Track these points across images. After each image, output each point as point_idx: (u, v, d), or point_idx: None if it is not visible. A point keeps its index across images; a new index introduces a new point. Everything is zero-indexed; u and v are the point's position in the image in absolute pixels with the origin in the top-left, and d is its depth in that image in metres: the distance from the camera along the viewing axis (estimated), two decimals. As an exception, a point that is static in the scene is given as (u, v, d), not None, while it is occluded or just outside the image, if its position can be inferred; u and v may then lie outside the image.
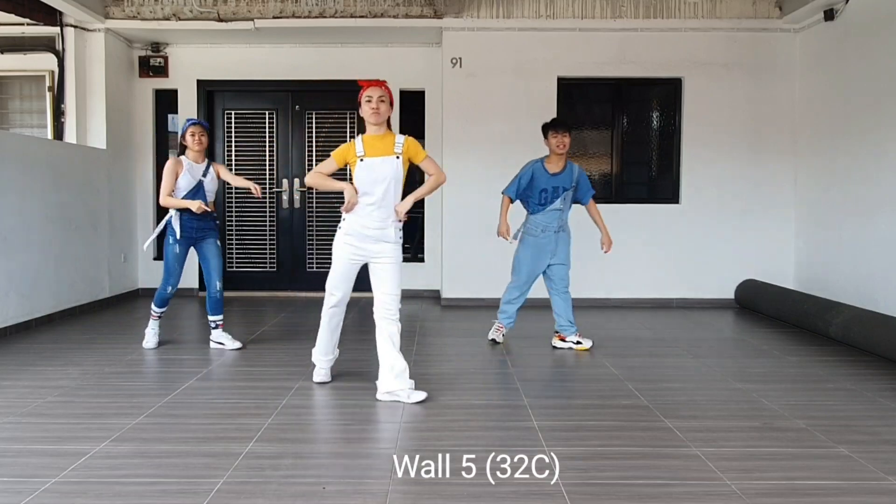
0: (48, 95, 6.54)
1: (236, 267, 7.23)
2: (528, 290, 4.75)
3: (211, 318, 4.61)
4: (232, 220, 7.21)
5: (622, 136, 6.62)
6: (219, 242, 4.65)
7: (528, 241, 4.65)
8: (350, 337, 4.99)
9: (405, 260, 7.11)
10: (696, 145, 6.49)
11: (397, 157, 3.41)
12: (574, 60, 6.44)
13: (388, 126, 3.53)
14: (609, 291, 6.52)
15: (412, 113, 7.03)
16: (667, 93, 6.59)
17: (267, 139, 7.14)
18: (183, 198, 4.41)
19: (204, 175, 4.50)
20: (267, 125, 7.15)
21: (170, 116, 7.16)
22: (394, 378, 3.40)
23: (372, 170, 3.40)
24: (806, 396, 3.52)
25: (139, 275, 7.12)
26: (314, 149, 7.15)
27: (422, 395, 3.41)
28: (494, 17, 6.35)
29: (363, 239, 3.44)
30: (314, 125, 7.14)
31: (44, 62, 6.45)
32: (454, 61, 6.41)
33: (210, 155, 7.08)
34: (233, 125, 7.16)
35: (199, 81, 7.00)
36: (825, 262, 5.90)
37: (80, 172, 6.02)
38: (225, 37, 6.68)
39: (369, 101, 3.40)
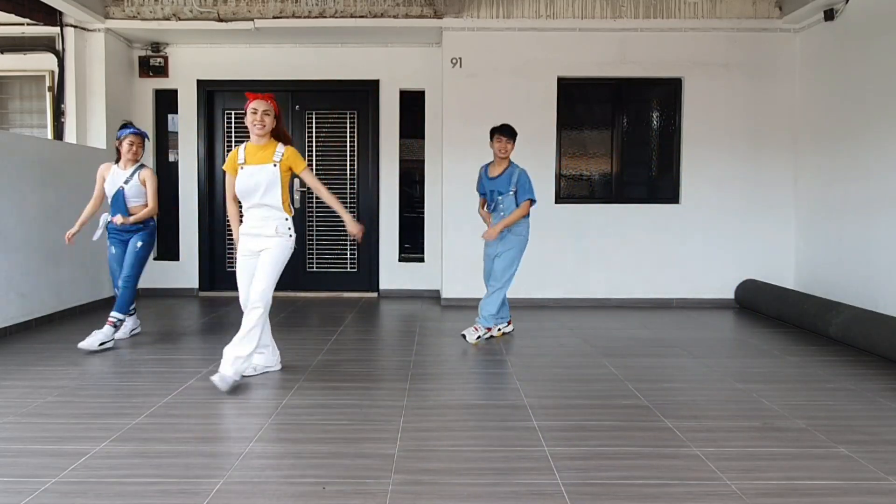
0: (48, 95, 6.54)
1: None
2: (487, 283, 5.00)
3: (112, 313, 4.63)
4: (232, 220, 7.20)
5: (622, 136, 6.62)
6: (140, 243, 4.69)
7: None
8: (350, 337, 4.99)
9: (407, 260, 7.15)
10: (696, 145, 6.49)
11: (274, 165, 3.69)
12: (574, 60, 6.44)
13: (279, 138, 3.82)
14: (609, 291, 6.52)
15: (412, 113, 7.03)
16: (667, 93, 6.59)
17: (267, 139, 7.13)
18: (110, 205, 4.71)
19: (126, 182, 4.67)
20: (267, 125, 7.13)
21: (170, 116, 7.16)
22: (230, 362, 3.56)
23: (250, 177, 3.67)
24: (806, 396, 3.52)
25: (139, 275, 7.11)
26: (314, 149, 7.15)
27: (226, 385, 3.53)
28: (494, 17, 6.35)
29: (249, 238, 3.75)
30: (314, 125, 7.14)
31: (44, 62, 6.45)
32: (454, 61, 6.41)
33: (211, 156, 7.12)
34: (233, 125, 7.16)
35: (199, 81, 7.00)
36: (825, 262, 5.90)
37: (81, 172, 6.02)
38: (225, 37, 6.68)
39: (254, 114, 3.67)
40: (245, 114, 3.74)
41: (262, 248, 3.73)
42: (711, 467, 2.55)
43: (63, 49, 6.28)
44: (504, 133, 4.80)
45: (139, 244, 4.68)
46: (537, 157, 6.48)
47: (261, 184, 3.67)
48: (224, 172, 4.23)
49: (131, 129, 4.69)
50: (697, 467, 2.56)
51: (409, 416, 3.16)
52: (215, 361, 4.19)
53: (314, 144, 7.16)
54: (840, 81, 5.69)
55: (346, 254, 7.22)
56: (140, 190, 4.68)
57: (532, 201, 4.81)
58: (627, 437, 2.88)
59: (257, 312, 3.60)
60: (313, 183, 3.84)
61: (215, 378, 3.50)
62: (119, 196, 4.64)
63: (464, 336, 4.86)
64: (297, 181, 7.14)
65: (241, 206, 3.86)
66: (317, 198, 7.15)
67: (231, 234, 7.21)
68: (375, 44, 6.90)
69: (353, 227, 3.83)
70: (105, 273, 6.41)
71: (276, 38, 6.73)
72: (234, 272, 7.16)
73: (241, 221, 3.86)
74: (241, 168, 3.71)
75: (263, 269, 3.66)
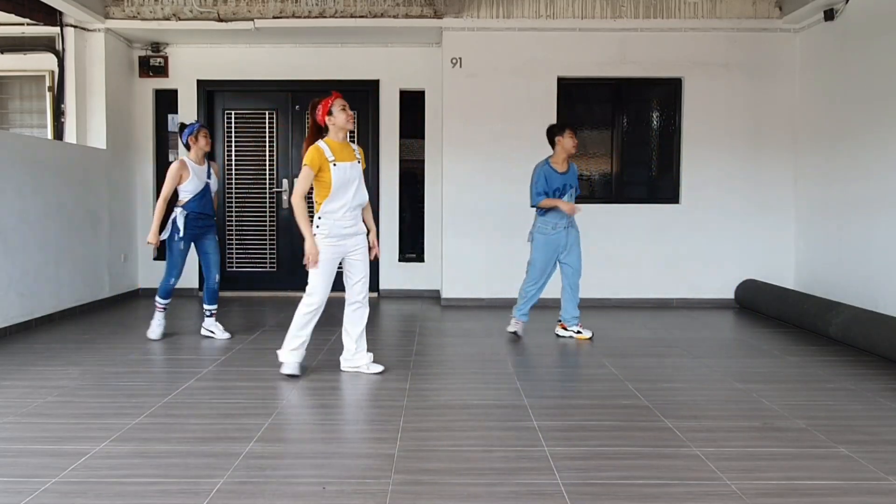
0: (48, 95, 6.54)
1: (236, 267, 7.23)
2: (543, 286, 4.98)
3: (207, 306, 4.90)
4: (232, 220, 7.21)
5: (622, 136, 6.62)
6: (216, 238, 4.91)
7: (540, 240, 4.85)
8: (350, 337, 4.99)
9: (407, 260, 7.15)
10: (696, 145, 6.49)
11: (358, 162, 3.79)
12: (574, 60, 6.44)
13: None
14: (609, 291, 6.51)
15: (412, 113, 7.03)
16: (667, 93, 6.59)
17: (267, 139, 7.14)
18: (189, 200, 4.65)
19: (209, 177, 4.79)
20: (267, 125, 7.14)
21: (170, 116, 7.16)
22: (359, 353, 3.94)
23: (345, 173, 3.67)
24: (806, 396, 3.52)
25: (139, 275, 7.13)
26: (314, 149, 7.14)
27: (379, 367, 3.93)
28: (494, 17, 6.35)
29: (343, 239, 3.75)
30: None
31: (44, 62, 6.45)
32: (454, 61, 6.41)
33: (210, 155, 7.12)
34: (233, 125, 7.16)
35: (199, 81, 7.00)
36: (825, 262, 5.90)
37: (80, 172, 6.02)
38: (225, 37, 6.68)
39: (344, 110, 3.66)
40: (326, 111, 3.67)
41: (358, 246, 3.80)
42: (711, 467, 2.55)
43: (63, 49, 6.28)
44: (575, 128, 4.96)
45: (216, 238, 4.92)
46: (537, 158, 6.45)
47: (354, 180, 3.71)
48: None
49: (198, 123, 4.78)
50: (697, 467, 2.56)
51: (409, 416, 3.16)
52: (215, 361, 4.19)
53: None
54: (840, 81, 5.68)
55: (346, 254, 7.21)
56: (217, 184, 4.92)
57: None
58: (627, 437, 2.88)
59: (367, 309, 3.94)
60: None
61: (374, 368, 3.91)
62: (207, 190, 4.76)
63: (582, 336, 4.95)
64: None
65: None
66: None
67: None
68: (375, 44, 6.90)
69: (375, 245, 4.00)
70: (104, 273, 6.41)
71: (276, 38, 6.72)
72: (233, 272, 7.19)
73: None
74: (335, 165, 3.65)
75: (367, 268, 3.86)
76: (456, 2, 6.31)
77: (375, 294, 7.05)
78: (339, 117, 3.66)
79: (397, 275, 7.07)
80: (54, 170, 5.61)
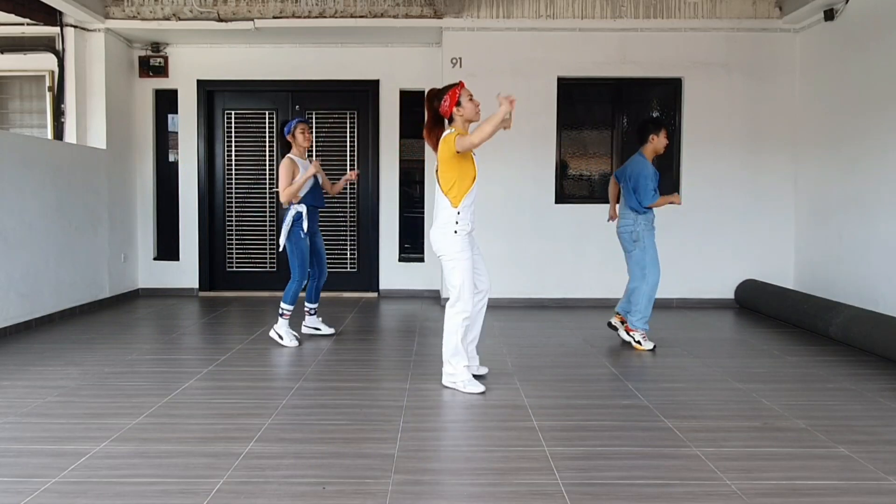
0: (48, 95, 6.54)
1: (236, 267, 7.23)
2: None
3: (310, 305, 4.89)
4: (232, 220, 7.21)
5: (622, 136, 6.62)
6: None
7: (649, 236, 4.60)
8: (350, 337, 4.99)
9: (407, 259, 7.15)
10: (696, 145, 6.49)
11: None
12: (574, 60, 6.44)
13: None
14: (608, 291, 6.50)
15: (412, 113, 7.02)
16: (667, 93, 6.59)
17: (267, 139, 7.14)
18: (305, 195, 4.62)
19: None
20: (267, 125, 7.14)
21: (170, 116, 7.16)
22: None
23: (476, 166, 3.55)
24: (806, 396, 3.52)
25: (139, 275, 7.12)
26: (314, 148, 7.14)
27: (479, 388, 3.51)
28: (494, 17, 6.35)
29: (470, 234, 3.55)
30: (314, 125, 7.14)
31: (44, 62, 6.44)
32: (454, 61, 6.41)
33: (211, 156, 7.13)
34: (233, 125, 7.16)
35: (199, 81, 7.00)
36: (825, 262, 5.90)
37: (80, 172, 6.02)
38: (225, 37, 6.68)
39: (471, 100, 3.50)
40: (454, 101, 3.48)
41: (476, 242, 3.63)
42: (711, 467, 2.55)
43: (63, 49, 6.28)
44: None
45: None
46: (537, 157, 6.48)
47: None
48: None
49: (297, 119, 4.70)
50: (697, 467, 2.56)
51: (409, 416, 3.16)
52: (215, 361, 4.19)
53: (314, 144, 7.14)
54: (840, 82, 5.68)
55: (346, 254, 7.22)
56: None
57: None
58: (627, 437, 2.88)
59: None
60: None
61: (482, 370, 3.72)
62: (317, 182, 4.74)
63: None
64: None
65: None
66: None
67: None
68: (375, 44, 6.90)
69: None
70: (104, 273, 6.41)
71: (276, 38, 6.72)
72: (233, 272, 7.20)
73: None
74: (475, 156, 3.49)
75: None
76: (456, 2, 6.31)
77: (375, 294, 7.05)
78: (469, 108, 3.46)
79: (397, 275, 7.07)
80: (54, 170, 5.61)
